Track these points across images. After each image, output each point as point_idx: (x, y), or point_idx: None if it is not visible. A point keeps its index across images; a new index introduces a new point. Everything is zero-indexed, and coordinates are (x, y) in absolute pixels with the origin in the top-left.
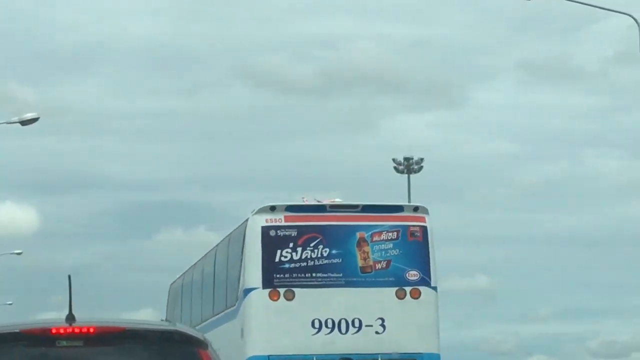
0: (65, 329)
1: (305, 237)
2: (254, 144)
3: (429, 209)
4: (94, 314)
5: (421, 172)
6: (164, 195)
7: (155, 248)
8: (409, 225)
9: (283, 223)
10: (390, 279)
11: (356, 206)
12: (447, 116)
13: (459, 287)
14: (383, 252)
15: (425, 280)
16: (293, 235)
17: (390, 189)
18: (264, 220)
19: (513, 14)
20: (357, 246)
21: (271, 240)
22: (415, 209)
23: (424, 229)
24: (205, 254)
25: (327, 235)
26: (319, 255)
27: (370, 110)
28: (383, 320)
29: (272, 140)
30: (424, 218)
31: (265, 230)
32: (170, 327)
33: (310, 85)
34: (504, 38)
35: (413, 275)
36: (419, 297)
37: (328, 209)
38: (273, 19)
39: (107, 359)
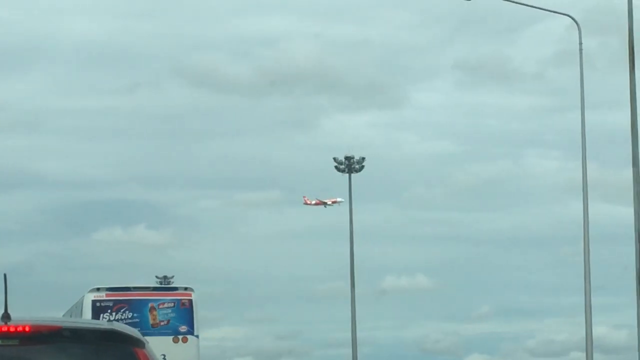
0: (0, 328)
1: (118, 306)
2: (193, 142)
3: (194, 289)
4: (31, 313)
5: (362, 171)
6: (102, 193)
7: (94, 247)
8: (181, 299)
9: (104, 298)
10: (169, 330)
11: (149, 287)
12: (387, 116)
13: (398, 286)
14: (165, 315)
15: (190, 332)
16: (110, 305)
17: (331, 188)
18: (93, 296)
19: (453, 15)
20: (149, 311)
21: (97, 308)
22: (185, 288)
23: (191, 301)
24: (63, 315)
25: (131, 305)
26: (126, 317)
27: (309, 109)
28: (164, 356)
29: (212, 138)
30: (190, 294)
31: (93, 302)
32: (107, 326)
33: (249, 84)
34: (444, 38)
35: (183, 328)
36: (187, 342)
37: (132, 289)
38: (212, 18)
39: (43, 358)
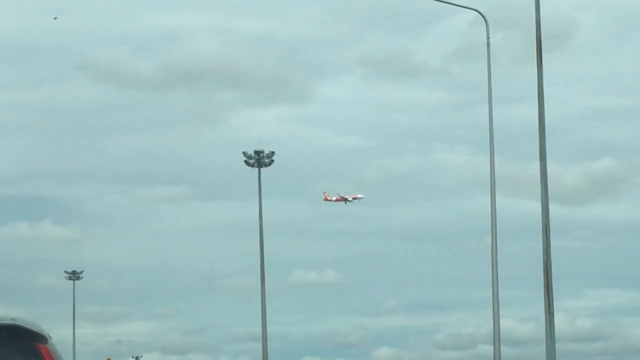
0: None
1: None
2: (99, 137)
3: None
4: None
5: (272, 165)
6: (7, 189)
7: (0, 242)
8: None
9: None
10: None
11: None
12: (295, 110)
13: (307, 281)
14: None
15: None
16: None
17: (241, 182)
18: None
19: (362, 10)
20: None
21: None
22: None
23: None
24: None
25: None
26: None
27: (215, 104)
28: None
29: (118, 134)
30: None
31: None
32: (8, 322)
33: (153, 79)
34: (351, 34)
35: None
36: None
37: None
38: (116, 13)
39: None
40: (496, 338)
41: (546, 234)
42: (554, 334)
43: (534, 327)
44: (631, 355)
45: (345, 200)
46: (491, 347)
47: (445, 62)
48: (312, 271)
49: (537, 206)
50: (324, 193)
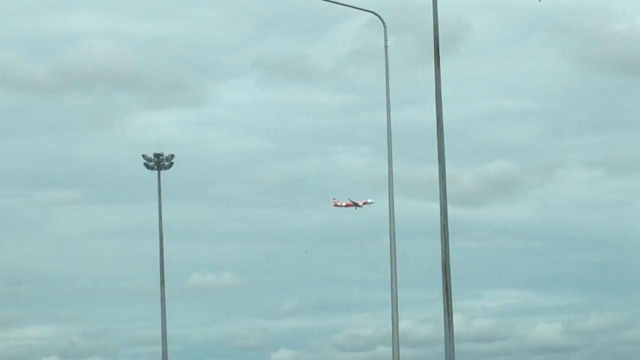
0: None
1: None
2: None
3: None
4: None
5: (172, 168)
6: None
7: None
8: None
9: None
10: None
11: None
12: (192, 114)
13: (207, 283)
14: None
15: None
16: None
17: (140, 185)
18: None
19: (260, 12)
20: None
21: None
22: None
23: None
24: None
25: None
26: None
27: (111, 107)
28: None
29: (10, 137)
30: None
31: None
32: None
33: (47, 81)
34: (248, 36)
35: None
36: None
37: None
38: (8, 15)
39: None
40: (395, 339)
41: (445, 235)
42: (452, 334)
43: (433, 328)
44: (528, 354)
45: (356, 205)
46: (390, 349)
47: (340, 64)
48: (212, 274)
49: (434, 208)
50: (333, 199)
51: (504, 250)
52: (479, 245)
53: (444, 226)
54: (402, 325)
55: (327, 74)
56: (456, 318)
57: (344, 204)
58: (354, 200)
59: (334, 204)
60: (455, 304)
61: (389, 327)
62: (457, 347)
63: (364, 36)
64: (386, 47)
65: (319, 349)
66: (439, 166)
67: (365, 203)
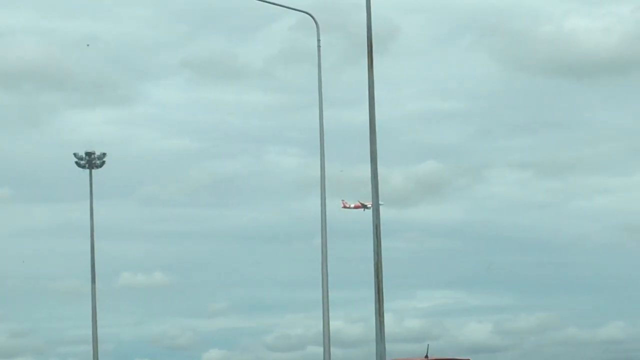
0: None
1: None
2: None
3: None
4: None
5: (103, 167)
6: None
7: None
8: None
9: None
10: None
11: None
12: (123, 113)
13: (138, 283)
14: None
15: None
16: None
17: (71, 184)
18: None
19: (194, 12)
20: None
21: None
22: None
23: None
24: None
25: None
26: None
27: (39, 106)
28: None
29: None
30: None
31: None
32: None
33: None
34: (180, 35)
35: None
36: None
37: None
38: None
39: None
40: (326, 339)
41: (377, 236)
42: (384, 334)
43: (364, 328)
44: (458, 354)
45: (365, 207)
46: (321, 349)
47: (270, 64)
48: (142, 273)
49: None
50: (342, 200)
51: (435, 250)
52: (409, 246)
53: (376, 226)
54: (333, 325)
55: (257, 74)
56: (387, 318)
57: (352, 205)
58: (363, 202)
59: (342, 205)
60: (386, 305)
61: (320, 327)
62: (388, 347)
63: (293, 37)
64: (319, 46)
65: (250, 348)
66: (372, 166)
67: None
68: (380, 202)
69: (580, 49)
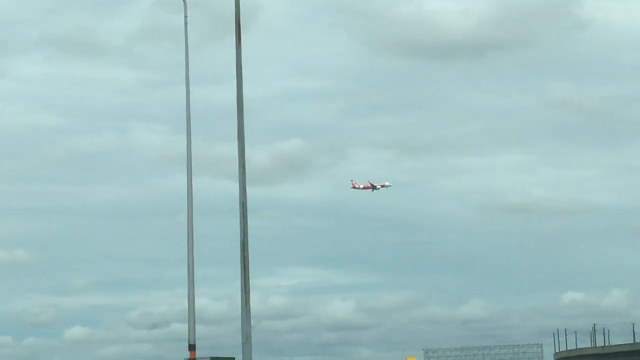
0: None
1: None
2: None
3: None
4: None
5: None
6: None
7: None
8: None
9: None
10: None
11: None
12: None
13: None
14: None
15: None
16: None
17: None
18: None
19: None
20: None
21: None
22: None
23: None
24: None
25: None
26: None
27: None
28: None
29: None
30: None
31: None
32: None
33: None
34: (43, 11)
35: None
36: None
37: None
38: None
39: None
40: (191, 316)
41: (243, 213)
42: (249, 311)
43: (229, 305)
44: (322, 331)
45: (374, 187)
46: (185, 326)
47: (131, 41)
48: (3, 250)
49: (229, 185)
50: (352, 181)
51: (299, 228)
52: (273, 224)
53: (243, 204)
54: (199, 302)
55: (118, 51)
56: (253, 296)
57: (362, 186)
58: (372, 183)
59: (352, 185)
60: (251, 282)
61: (184, 304)
62: (254, 324)
63: (154, 14)
64: (186, 23)
65: (114, 326)
66: (239, 144)
67: (382, 186)
68: (388, 184)
69: (438, 30)
